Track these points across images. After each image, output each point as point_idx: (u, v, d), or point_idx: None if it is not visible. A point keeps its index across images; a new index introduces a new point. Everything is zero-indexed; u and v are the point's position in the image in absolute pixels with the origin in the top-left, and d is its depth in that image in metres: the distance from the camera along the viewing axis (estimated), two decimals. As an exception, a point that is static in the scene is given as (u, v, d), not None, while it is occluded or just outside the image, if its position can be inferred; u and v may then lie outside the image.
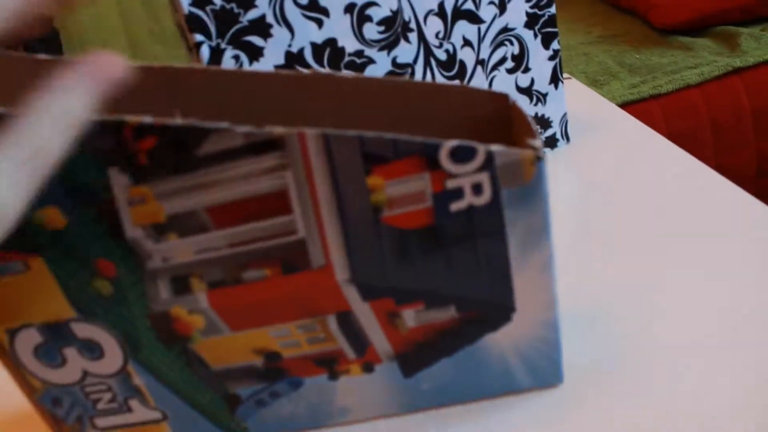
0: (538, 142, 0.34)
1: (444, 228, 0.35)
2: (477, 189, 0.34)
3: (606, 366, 0.42)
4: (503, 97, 0.39)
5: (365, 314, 0.37)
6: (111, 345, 0.37)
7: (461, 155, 0.33)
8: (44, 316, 0.36)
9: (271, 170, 0.33)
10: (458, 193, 0.34)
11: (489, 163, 0.33)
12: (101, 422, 0.40)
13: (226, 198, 0.33)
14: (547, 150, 0.78)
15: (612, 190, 0.66)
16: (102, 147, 0.31)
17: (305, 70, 0.37)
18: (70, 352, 0.37)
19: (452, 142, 0.33)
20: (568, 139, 0.80)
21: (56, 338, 0.37)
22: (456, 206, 0.34)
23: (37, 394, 0.39)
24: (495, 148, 0.33)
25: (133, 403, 0.40)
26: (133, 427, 0.41)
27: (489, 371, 0.40)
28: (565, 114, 0.79)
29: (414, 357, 0.39)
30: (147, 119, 0.31)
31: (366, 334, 0.38)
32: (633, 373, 0.42)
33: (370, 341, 0.38)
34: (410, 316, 0.37)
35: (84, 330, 0.36)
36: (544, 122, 0.78)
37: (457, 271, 0.36)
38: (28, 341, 0.36)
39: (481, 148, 0.33)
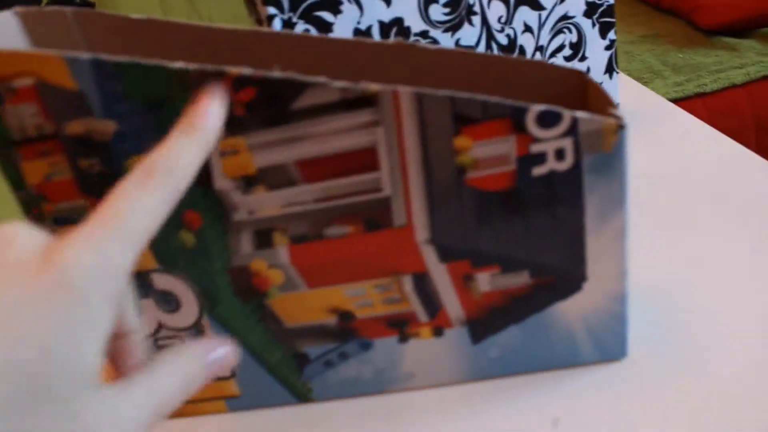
0: (619, 112, 0.34)
1: (524, 192, 0.35)
2: (559, 154, 0.34)
3: (668, 341, 0.43)
4: (579, 74, 0.40)
5: (441, 276, 0.37)
6: (188, 298, 0.38)
7: (547, 120, 0.33)
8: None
9: (363, 126, 0.33)
10: (541, 158, 0.34)
11: (573, 129, 0.34)
12: (173, 373, 0.41)
13: (316, 152, 0.34)
14: None
15: (664, 177, 0.66)
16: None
17: (391, 40, 0.38)
18: (148, 304, 0.38)
19: (540, 106, 0.33)
20: None
21: (136, 288, 0.37)
22: (538, 171, 0.35)
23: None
24: (580, 114, 0.33)
25: (205, 357, 0.40)
26: (203, 381, 0.42)
27: (556, 341, 0.40)
28: (618, 104, 0.79)
29: (484, 322, 0.39)
30: (247, 70, 0.32)
31: (440, 297, 0.38)
32: (696, 351, 0.42)
33: (443, 304, 0.38)
34: (485, 280, 0.38)
35: (163, 281, 0.37)
36: None
37: (533, 235, 0.36)
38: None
39: (567, 114, 0.33)
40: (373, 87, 0.32)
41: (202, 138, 0.28)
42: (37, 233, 0.24)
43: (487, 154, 0.34)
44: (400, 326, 0.39)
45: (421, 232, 0.36)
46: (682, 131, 0.77)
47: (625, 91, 0.91)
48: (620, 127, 0.34)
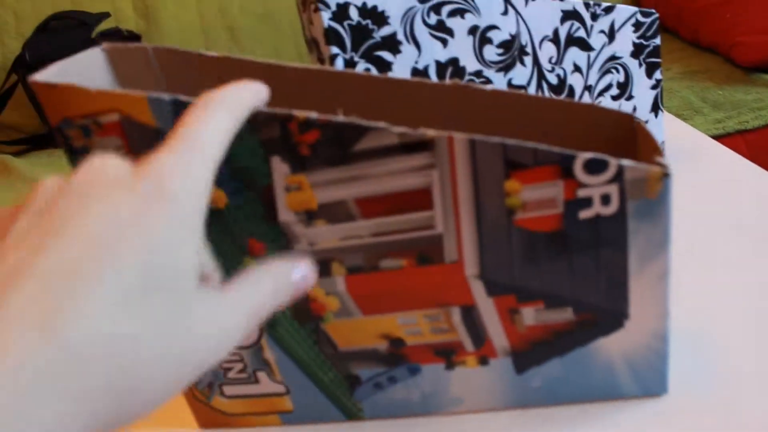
0: (665, 160, 0.36)
1: (571, 234, 0.37)
2: (605, 200, 0.36)
3: (707, 379, 0.44)
4: (629, 118, 0.41)
5: (488, 309, 0.39)
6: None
7: (594, 167, 0.35)
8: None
9: (419, 168, 0.35)
10: (587, 202, 0.36)
11: (619, 176, 0.35)
12: (229, 390, 0.43)
13: (375, 191, 0.36)
14: None
15: (708, 213, 0.67)
16: (269, 137, 0.35)
17: (448, 81, 0.40)
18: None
19: (587, 155, 0.35)
20: None
21: None
22: (584, 214, 0.36)
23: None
24: (626, 162, 0.35)
25: (261, 375, 0.43)
26: (258, 398, 0.44)
27: (597, 374, 0.41)
28: (662, 142, 0.80)
29: (528, 354, 0.41)
30: (313, 115, 0.34)
31: (486, 329, 0.40)
32: (733, 390, 0.43)
33: (489, 336, 0.40)
34: (529, 314, 0.39)
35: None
36: None
37: (578, 275, 0.38)
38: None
39: (613, 162, 0.35)
40: (430, 133, 0.34)
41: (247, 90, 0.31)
42: (121, 160, 0.26)
43: (536, 197, 0.36)
44: (448, 354, 0.41)
45: (471, 267, 0.38)
46: (724, 168, 0.78)
47: (667, 128, 0.92)
48: (665, 175, 0.35)
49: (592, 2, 0.70)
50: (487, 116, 0.41)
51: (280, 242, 0.37)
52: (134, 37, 1.92)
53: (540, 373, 0.41)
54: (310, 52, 0.63)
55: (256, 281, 0.28)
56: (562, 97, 0.72)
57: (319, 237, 0.37)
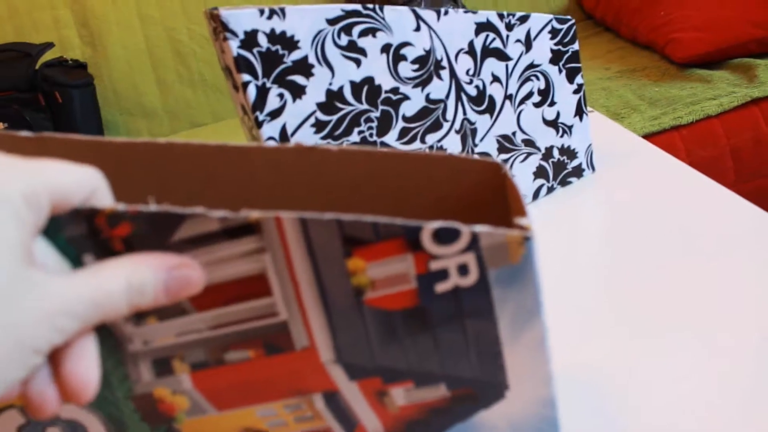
0: (526, 221, 0.31)
1: (430, 309, 0.32)
2: (463, 270, 0.31)
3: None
4: (496, 166, 0.36)
5: (353, 393, 0.34)
6: (95, 426, 0.34)
7: (445, 237, 0.30)
8: (30, 396, 0.34)
9: (249, 254, 0.30)
10: (443, 275, 0.31)
11: (474, 244, 0.30)
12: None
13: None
14: (574, 179, 0.77)
15: (637, 215, 0.64)
16: (76, 234, 0.29)
17: (289, 144, 0.35)
18: (55, 433, 0.35)
19: (434, 224, 0.30)
20: (593, 168, 0.80)
21: (44, 419, 0.34)
22: (441, 287, 0.31)
23: (28, 468, 0.37)
24: (479, 228, 0.30)
25: (124, 478, 0.37)
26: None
27: (484, 447, 0.36)
28: (590, 145, 0.78)
29: (405, 434, 0.36)
30: (120, 207, 0.29)
31: (354, 413, 0.35)
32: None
33: (359, 419, 0.35)
34: (399, 395, 0.34)
35: (68, 411, 0.34)
36: (571, 153, 0.77)
37: (445, 351, 0.33)
38: (11, 422, 0.34)
39: (465, 230, 0.30)
40: (254, 215, 0.29)
41: None
42: None
43: (384, 274, 0.31)
44: (319, 441, 0.36)
45: (326, 352, 0.33)
46: (653, 168, 0.76)
47: (601, 130, 0.89)
48: (526, 239, 0.30)
49: (506, 12, 0.66)
50: (339, 179, 0.36)
51: (111, 343, 0.32)
52: (79, 66, 1.85)
53: (422, 452, 0.36)
54: (226, 79, 0.59)
55: (109, 272, 0.28)
56: (482, 107, 0.68)
57: (152, 335, 0.32)
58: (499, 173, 0.36)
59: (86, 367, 0.28)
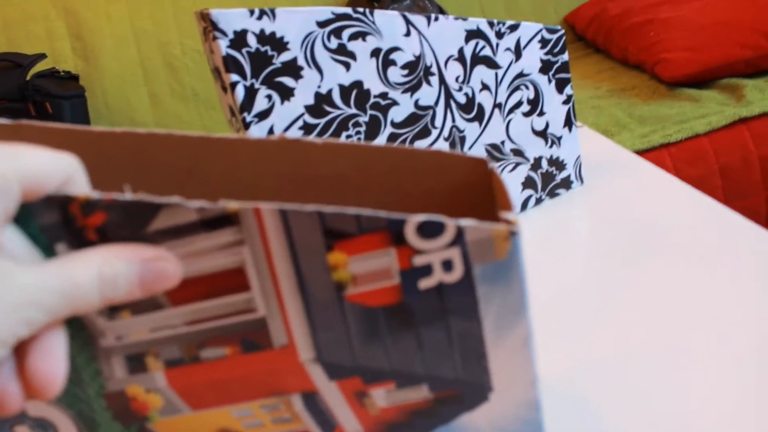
0: (513, 216, 0.30)
1: (413, 306, 0.31)
2: (447, 265, 0.30)
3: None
4: (482, 163, 0.36)
5: (332, 394, 0.33)
6: (65, 424, 0.33)
7: (429, 230, 0.29)
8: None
9: (227, 246, 0.29)
10: (427, 270, 0.30)
11: (459, 238, 0.29)
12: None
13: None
14: (563, 190, 0.76)
15: (625, 227, 0.63)
16: (48, 222, 0.28)
17: (274, 136, 0.34)
18: (22, 431, 0.33)
19: (418, 217, 0.29)
20: (582, 180, 0.79)
21: (7, 416, 0.33)
22: (425, 283, 0.30)
23: (-4, 469, 0.35)
24: (465, 223, 0.29)
25: (97, 480, 0.36)
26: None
27: (468, 452, 0.35)
28: (578, 156, 0.77)
29: (387, 437, 0.34)
30: (95, 195, 0.27)
31: (334, 414, 0.34)
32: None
33: (339, 421, 0.34)
34: (380, 396, 0.33)
35: (37, 409, 0.33)
36: (559, 164, 0.76)
37: (428, 350, 0.32)
38: (-22, 420, 0.33)
39: (450, 224, 0.29)
40: (232, 205, 0.28)
41: None
42: None
43: (366, 269, 0.30)
44: (298, 444, 0.35)
45: (305, 351, 0.31)
46: (642, 181, 0.76)
47: (590, 144, 0.89)
48: (512, 234, 0.29)
49: (496, 21, 0.66)
50: (323, 173, 0.35)
51: (83, 337, 0.31)
52: (72, 77, 1.84)
53: (403, 456, 0.35)
54: (215, 81, 0.58)
55: (80, 262, 0.27)
56: (471, 115, 0.67)
57: (125, 330, 0.31)
58: (486, 170, 0.35)
59: (53, 361, 0.27)
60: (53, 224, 0.28)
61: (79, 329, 0.30)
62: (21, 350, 0.26)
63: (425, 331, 0.31)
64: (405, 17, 0.60)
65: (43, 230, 0.28)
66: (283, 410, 0.33)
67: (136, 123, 1.98)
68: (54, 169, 0.27)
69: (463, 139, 0.68)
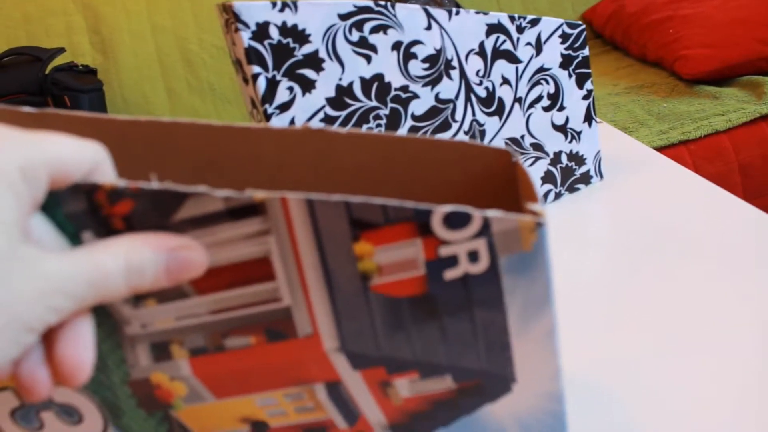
0: (539, 207, 0.30)
1: (438, 297, 0.31)
2: (473, 256, 0.30)
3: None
4: (506, 154, 0.35)
5: (356, 383, 0.33)
6: (90, 410, 0.33)
7: (455, 221, 0.29)
8: (25, 379, 0.33)
9: (253, 236, 0.29)
10: (452, 261, 0.30)
11: (485, 229, 0.29)
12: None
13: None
14: (582, 186, 0.76)
15: (645, 223, 0.63)
16: (75, 210, 0.28)
17: (298, 126, 0.33)
18: (48, 416, 0.34)
19: (445, 208, 0.29)
20: (601, 175, 0.79)
21: (36, 402, 0.33)
22: (450, 274, 0.30)
23: (21, 455, 0.35)
24: (491, 213, 0.29)
25: (119, 468, 0.36)
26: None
27: (490, 444, 0.35)
28: (598, 152, 0.77)
29: (408, 427, 0.34)
30: (121, 183, 0.28)
31: (357, 404, 0.34)
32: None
33: (362, 411, 0.34)
34: (404, 386, 0.33)
35: (63, 395, 0.33)
36: (579, 159, 0.76)
37: (452, 341, 0.32)
38: (5, 404, 0.33)
39: (477, 214, 0.29)
40: (259, 195, 0.28)
41: None
42: None
43: (392, 259, 0.30)
44: (320, 434, 0.35)
45: (329, 341, 0.31)
46: (662, 177, 0.75)
47: (610, 140, 0.88)
48: (539, 225, 0.29)
49: (516, 15, 0.66)
50: (346, 163, 0.35)
51: (108, 325, 0.31)
52: (90, 71, 1.85)
53: (426, 447, 0.35)
54: (236, 73, 0.58)
55: (108, 250, 0.27)
56: (491, 109, 0.67)
57: (150, 318, 0.31)
58: (509, 161, 0.35)
59: (80, 348, 0.27)
60: (80, 212, 0.28)
61: (105, 317, 0.31)
62: (49, 337, 0.27)
63: (450, 322, 0.31)
64: (426, 11, 0.60)
65: (69, 218, 0.28)
66: (306, 399, 0.33)
67: (153, 117, 1.99)
68: (81, 157, 0.27)
69: (483, 133, 0.68)
